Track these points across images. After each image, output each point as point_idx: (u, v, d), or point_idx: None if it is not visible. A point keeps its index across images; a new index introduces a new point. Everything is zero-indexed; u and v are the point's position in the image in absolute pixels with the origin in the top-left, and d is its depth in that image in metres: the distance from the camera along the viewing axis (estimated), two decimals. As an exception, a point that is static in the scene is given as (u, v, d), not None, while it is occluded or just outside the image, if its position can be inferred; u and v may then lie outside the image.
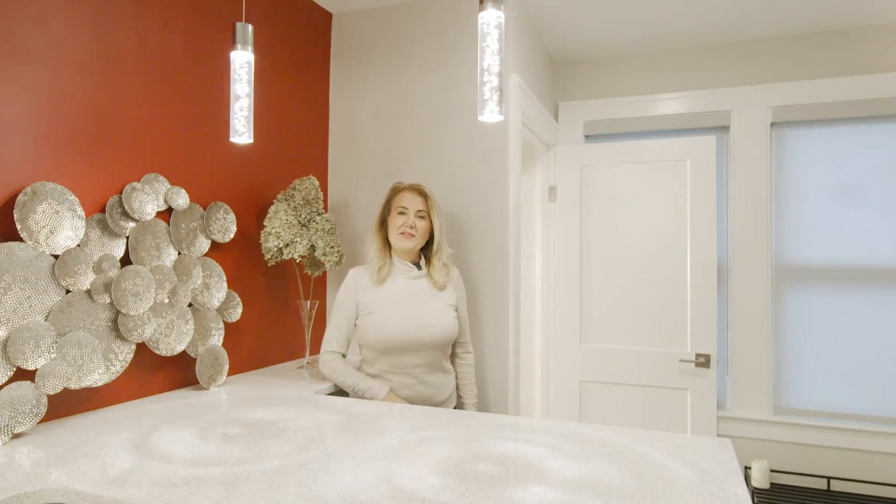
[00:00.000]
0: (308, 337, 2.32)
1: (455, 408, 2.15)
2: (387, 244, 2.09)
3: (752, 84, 2.98)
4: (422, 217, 2.06)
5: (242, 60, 1.48)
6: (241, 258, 2.20)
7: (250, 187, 2.26)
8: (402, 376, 1.99)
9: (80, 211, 1.58)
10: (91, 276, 1.60)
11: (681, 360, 2.93)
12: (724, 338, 3.05)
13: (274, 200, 2.29)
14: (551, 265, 3.23)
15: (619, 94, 3.21)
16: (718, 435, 2.93)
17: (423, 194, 2.09)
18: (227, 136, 2.15)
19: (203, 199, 2.03)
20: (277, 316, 2.38)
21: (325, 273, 2.55)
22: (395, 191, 2.11)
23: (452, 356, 2.21)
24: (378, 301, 2.00)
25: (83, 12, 1.62)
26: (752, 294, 2.95)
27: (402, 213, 2.04)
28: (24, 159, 1.49)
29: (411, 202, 2.05)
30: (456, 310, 2.11)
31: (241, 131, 1.47)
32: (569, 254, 3.19)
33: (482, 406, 2.42)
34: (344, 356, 2.08)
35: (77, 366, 1.53)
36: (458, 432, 1.47)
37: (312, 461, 1.25)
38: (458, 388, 2.20)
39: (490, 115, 1.24)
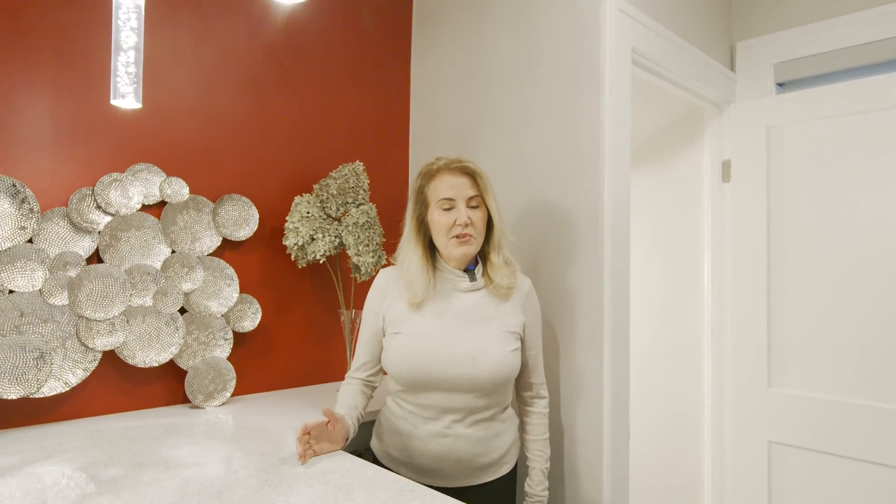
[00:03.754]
0: (350, 353, 1.91)
1: (513, 473, 1.53)
2: (429, 252, 1.51)
3: None
4: (475, 206, 1.45)
5: (130, 3, 1.16)
6: (273, 259, 1.92)
7: (295, 178, 1.97)
8: (431, 423, 1.42)
9: (33, 204, 1.45)
10: (44, 275, 1.46)
11: (947, 432, 1.75)
12: None
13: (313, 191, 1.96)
14: (725, 273, 2.28)
15: (831, 14, 2.12)
16: None
17: (470, 173, 1.47)
18: (258, 120, 1.90)
19: (216, 190, 1.80)
20: (318, 328, 2.03)
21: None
22: (429, 174, 1.50)
23: (518, 401, 1.58)
24: (409, 318, 1.46)
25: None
26: None
27: (448, 209, 1.44)
28: (-31, 149, 1.41)
29: (457, 188, 1.44)
30: (521, 339, 1.49)
31: (125, 92, 1.15)
32: (750, 256, 2.20)
33: (569, 472, 1.71)
34: (372, 384, 1.58)
35: (14, 373, 1.39)
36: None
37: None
38: (524, 446, 1.56)
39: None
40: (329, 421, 1.30)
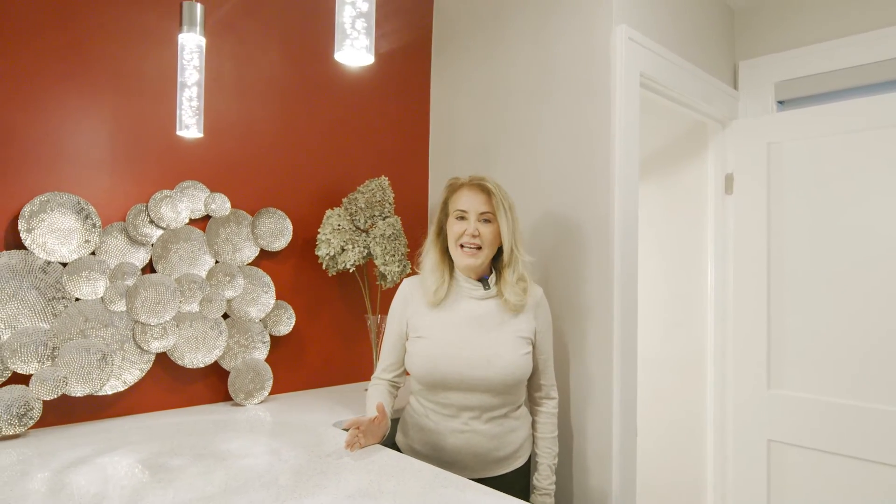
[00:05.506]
0: (375, 355, 2.06)
1: (527, 466, 1.66)
2: (446, 257, 1.67)
3: None
4: (487, 220, 1.60)
5: (192, 44, 1.31)
6: (304, 268, 2.06)
7: (325, 192, 2.11)
8: (450, 420, 1.57)
9: (96, 219, 1.60)
10: (105, 284, 1.61)
11: (934, 431, 1.88)
12: None
13: (341, 205, 2.10)
14: (728, 281, 2.41)
15: (830, 36, 2.24)
16: None
17: (486, 190, 1.61)
18: (290, 139, 2.04)
19: (254, 204, 1.94)
20: (346, 332, 2.18)
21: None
22: (453, 187, 1.67)
23: (530, 402, 1.72)
24: (430, 324, 1.60)
25: (115, 29, 1.66)
26: None
27: (461, 219, 1.60)
28: (39, 172, 1.55)
29: (471, 202, 1.60)
30: (532, 343, 1.63)
31: (189, 124, 1.31)
32: (751, 265, 2.33)
33: (578, 468, 1.85)
34: (397, 385, 1.73)
35: (81, 373, 1.54)
36: (395, 511, 1.05)
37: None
38: (534, 443, 1.70)
39: (354, 54, 0.83)
40: (376, 417, 1.44)
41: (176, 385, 1.77)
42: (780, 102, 2.40)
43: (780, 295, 2.25)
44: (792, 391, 2.21)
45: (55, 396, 1.49)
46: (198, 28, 1.31)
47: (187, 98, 1.30)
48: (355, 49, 0.81)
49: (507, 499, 1.14)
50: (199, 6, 1.31)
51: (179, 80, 1.30)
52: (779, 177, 2.27)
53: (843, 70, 2.21)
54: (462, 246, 1.59)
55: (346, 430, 1.41)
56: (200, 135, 1.35)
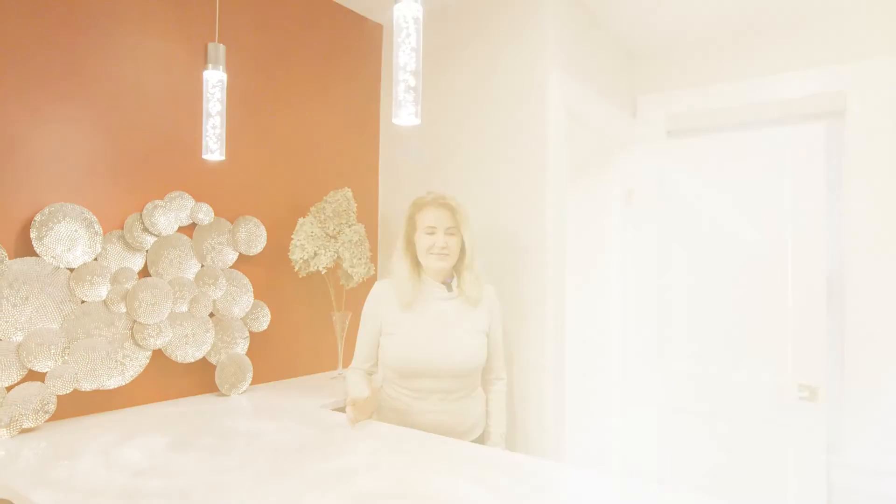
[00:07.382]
0: (341, 348, 2.32)
1: (481, 437, 2.00)
2: (416, 266, 1.95)
3: (879, 55, 2.43)
4: (452, 234, 1.90)
5: (215, 80, 1.52)
6: (276, 270, 2.27)
7: (292, 201, 2.33)
8: (421, 402, 1.86)
9: (97, 228, 1.73)
10: (107, 287, 1.75)
11: (779, 391, 2.47)
12: (840, 366, 2.51)
13: (308, 213, 2.33)
14: (629, 276, 2.91)
15: (707, 82, 2.81)
16: (830, 485, 2.42)
17: (450, 208, 1.92)
18: (263, 154, 2.24)
19: (233, 213, 2.13)
20: (313, 327, 2.42)
21: (362, 283, 2.54)
22: (418, 206, 1.95)
23: (484, 382, 2.07)
24: (401, 322, 1.89)
25: (112, 51, 1.79)
26: (879, 314, 2.39)
27: (430, 234, 1.89)
28: (47, 183, 1.67)
29: (439, 219, 1.89)
30: (487, 335, 1.96)
31: (213, 149, 1.51)
32: (646, 264, 2.85)
33: (522, 435, 2.24)
34: (372, 373, 1.99)
35: (88, 369, 1.68)
36: (411, 461, 1.36)
37: (221, 485, 1.22)
38: (487, 415, 2.05)
39: (406, 117, 1.12)
40: (369, 397, 1.72)
41: (168, 378, 1.93)
42: (670, 132, 2.93)
43: (667, 289, 2.78)
44: (676, 366, 2.75)
45: (69, 391, 1.62)
46: (221, 66, 1.51)
47: (211, 126, 1.50)
48: (406, 115, 1.11)
49: (481, 448, 1.47)
50: (221, 47, 1.51)
51: (204, 110, 1.50)
52: (668, 193, 2.79)
53: (716, 110, 2.77)
54: (433, 254, 1.89)
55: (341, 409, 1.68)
56: (223, 158, 1.55)
